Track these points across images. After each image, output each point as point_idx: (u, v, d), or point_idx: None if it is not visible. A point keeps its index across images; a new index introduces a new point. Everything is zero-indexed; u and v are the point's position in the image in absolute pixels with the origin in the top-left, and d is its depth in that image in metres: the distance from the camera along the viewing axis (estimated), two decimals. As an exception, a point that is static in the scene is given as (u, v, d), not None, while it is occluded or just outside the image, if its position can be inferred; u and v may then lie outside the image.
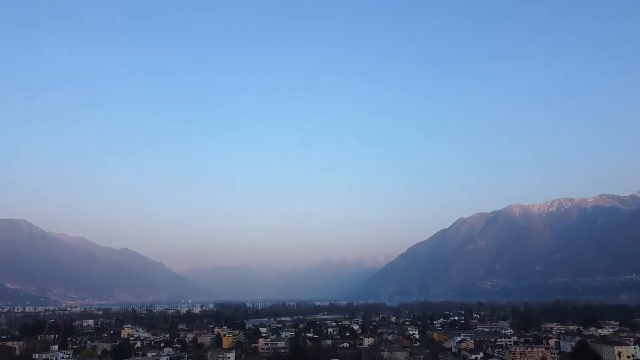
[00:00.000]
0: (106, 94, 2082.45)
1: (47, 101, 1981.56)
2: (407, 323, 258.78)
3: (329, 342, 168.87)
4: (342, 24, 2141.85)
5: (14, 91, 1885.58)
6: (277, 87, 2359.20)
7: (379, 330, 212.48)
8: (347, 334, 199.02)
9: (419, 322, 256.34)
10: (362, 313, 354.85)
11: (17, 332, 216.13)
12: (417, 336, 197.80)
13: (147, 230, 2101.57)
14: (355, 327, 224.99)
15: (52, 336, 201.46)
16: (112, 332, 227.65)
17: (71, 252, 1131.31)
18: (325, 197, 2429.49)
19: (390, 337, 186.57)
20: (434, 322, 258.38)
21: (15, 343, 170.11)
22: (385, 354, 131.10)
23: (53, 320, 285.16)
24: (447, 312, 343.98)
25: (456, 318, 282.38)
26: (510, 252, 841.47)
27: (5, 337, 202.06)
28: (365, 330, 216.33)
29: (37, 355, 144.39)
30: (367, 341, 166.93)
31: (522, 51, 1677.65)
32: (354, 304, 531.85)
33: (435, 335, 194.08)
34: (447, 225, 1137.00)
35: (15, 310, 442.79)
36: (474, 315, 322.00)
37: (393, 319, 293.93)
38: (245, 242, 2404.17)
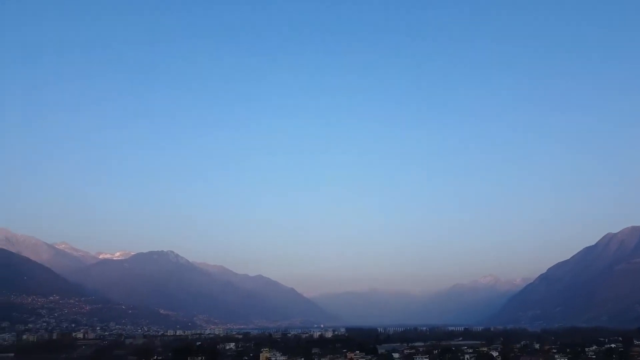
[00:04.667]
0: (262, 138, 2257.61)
1: (191, 144, 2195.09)
2: (554, 350, 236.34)
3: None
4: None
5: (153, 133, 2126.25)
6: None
7: (521, 358, 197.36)
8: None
9: (568, 350, 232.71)
10: (501, 339, 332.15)
11: (170, 354, 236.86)
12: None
13: (279, 258, 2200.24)
14: (495, 353, 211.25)
15: (199, 358, 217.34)
16: (251, 355, 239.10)
17: (212, 280, 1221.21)
18: (455, 219, 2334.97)
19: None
20: (586, 350, 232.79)
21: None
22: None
23: (199, 343, 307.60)
24: (601, 339, 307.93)
25: (613, 346, 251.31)
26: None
27: (160, 358, 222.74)
28: (506, 357, 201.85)
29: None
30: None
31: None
32: (491, 329, 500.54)
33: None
34: (592, 242, 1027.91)
35: (168, 334, 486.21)
36: (635, 343, 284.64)
37: (537, 346, 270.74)
38: (373, 269, 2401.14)
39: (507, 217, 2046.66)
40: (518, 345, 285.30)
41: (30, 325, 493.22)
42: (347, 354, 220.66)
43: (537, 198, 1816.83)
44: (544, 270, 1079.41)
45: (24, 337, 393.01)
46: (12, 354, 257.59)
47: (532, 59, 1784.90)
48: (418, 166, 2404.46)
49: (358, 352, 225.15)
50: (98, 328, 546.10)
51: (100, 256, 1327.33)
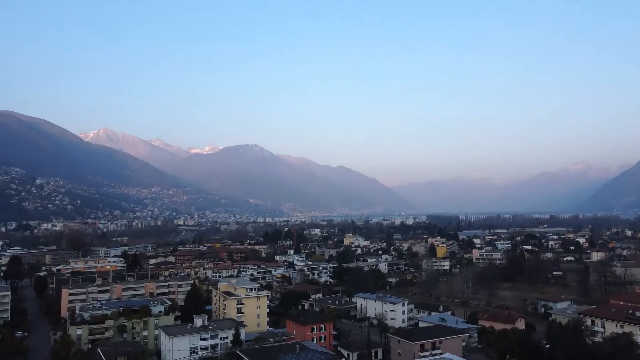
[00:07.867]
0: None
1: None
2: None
3: (549, 255, 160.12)
4: None
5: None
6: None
7: (610, 245, 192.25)
8: (572, 248, 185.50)
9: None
10: (590, 226, 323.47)
11: (261, 238, 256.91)
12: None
13: (360, 148, 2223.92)
14: (581, 240, 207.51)
15: (288, 242, 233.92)
16: (335, 240, 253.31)
17: (295, 171, 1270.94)
18: (542, 100, 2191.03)
19: (624, 253, 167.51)
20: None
21: (261, 247, 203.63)
22: (619, 270, 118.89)
23: (287, 229, 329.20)
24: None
25: None
26: None
27: (253, 242, 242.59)
28: (594, 244, 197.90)
29: (278, 257, 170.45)
30: (596, 255, 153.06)
31: None
32: (580, 217, 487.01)
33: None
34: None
35: (258, 221, 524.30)
36: None
37: (629, 233, 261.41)
38: (456, 157, 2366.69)
39: (602, 103, 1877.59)
40: (608, 233, 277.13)
41: (138, 214, 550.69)
42: (428, 239, 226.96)
43: (634, 81, 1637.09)
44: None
45: (134, 223, 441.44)
46: (126, 238, 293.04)
47: None
48: (503, 54, 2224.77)
49: (439, 238, 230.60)
50: (196, 216, 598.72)
51: (192, 151, 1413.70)
